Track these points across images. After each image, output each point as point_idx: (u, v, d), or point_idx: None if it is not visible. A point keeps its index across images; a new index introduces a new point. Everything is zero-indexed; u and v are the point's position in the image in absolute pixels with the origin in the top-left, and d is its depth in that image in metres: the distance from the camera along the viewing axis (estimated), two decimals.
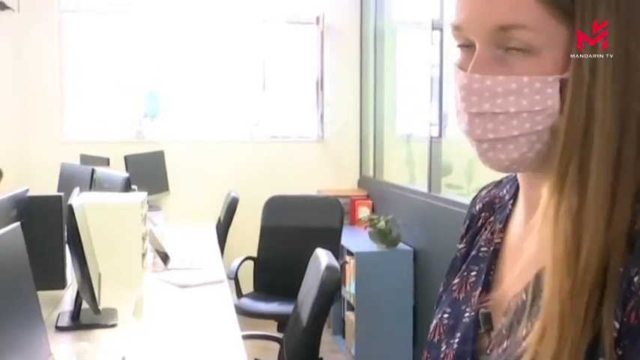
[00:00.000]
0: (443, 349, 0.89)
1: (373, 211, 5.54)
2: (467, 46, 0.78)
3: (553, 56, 0.73)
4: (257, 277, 4.78)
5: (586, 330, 0.68)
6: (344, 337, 5.08)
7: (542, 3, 0.72)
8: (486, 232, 0.93)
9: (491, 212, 0.95)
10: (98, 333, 2.45)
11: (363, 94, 6.07)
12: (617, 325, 0.67)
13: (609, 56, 0.71)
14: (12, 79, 5.50)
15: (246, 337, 3.11)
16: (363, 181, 6.05)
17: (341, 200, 4.92)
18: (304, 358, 2.75)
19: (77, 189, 2.67)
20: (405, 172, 5.55)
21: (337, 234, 4.64)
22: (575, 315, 0.68)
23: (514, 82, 0.74)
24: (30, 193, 2.85)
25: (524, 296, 0.77)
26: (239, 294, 4.56)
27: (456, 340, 0.87)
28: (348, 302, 4.93)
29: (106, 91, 5.88)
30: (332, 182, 5.95)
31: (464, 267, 0.93)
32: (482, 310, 0.83)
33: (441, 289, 0.98)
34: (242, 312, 4.25)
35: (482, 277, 0.87)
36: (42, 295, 2.71)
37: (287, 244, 4.69)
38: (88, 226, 2.67)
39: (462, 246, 0.97)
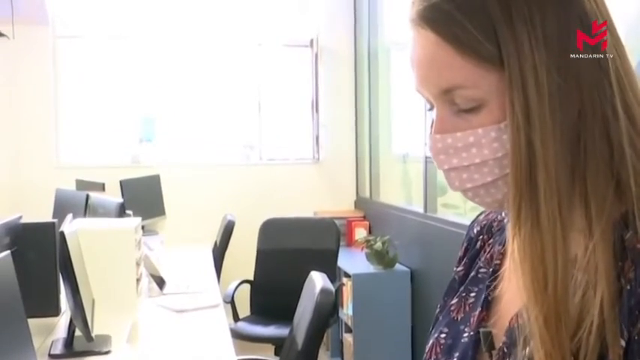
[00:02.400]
0: None
1: (370, 232, 5.53)
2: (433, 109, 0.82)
3: (499, 103, 0.75)
4: (254, 301, 4.76)
5: (588, 351, 0.69)
6: (342, 359, 5.05)
7: (471, 60, 0.74)
8: (485, 254, 0.94)
9: (489, 235, 0.96)
10: None
11: (358, 114, 6.09)
12: (623, 343, 0.68)
13: (541, 96, 0.72)
14: (7, 105, 5.51)
15: None
16: (359, 202, 6.05)
17: (337, 222, 4.91)
18: None
19: (70, 215, 2.66)
20: (401, 192, 5.54)
21: (334, 256, 4.63)
22: (558, 345, 0.70)
23: (471, 135, 0.77)
24: (24, 220, 2.84)
25: (525, 315, 0.77)
26: (236, 318, 4.54)
27: None
28: (346, 324, 4.90)
29: (101, 116, 5.88)
30: (328, 204, 5.95)
31: (462, 288, 0.94)
32: (482, 329, 0.84)
33: (438, 310, 0.98)
34: (239, 336, 4.24)
35: (482, 297, 0.88)
36: (36, 322, 2.72)
37: (284, 267, 4.68)
38: (82, 252, 2.66)
39: (460, 268, 0.98)
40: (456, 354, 0.87)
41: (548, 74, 0.73)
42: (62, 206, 4.05)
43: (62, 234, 2.21)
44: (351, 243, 5.53)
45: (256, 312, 4.71)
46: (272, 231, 4.84)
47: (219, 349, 2.76)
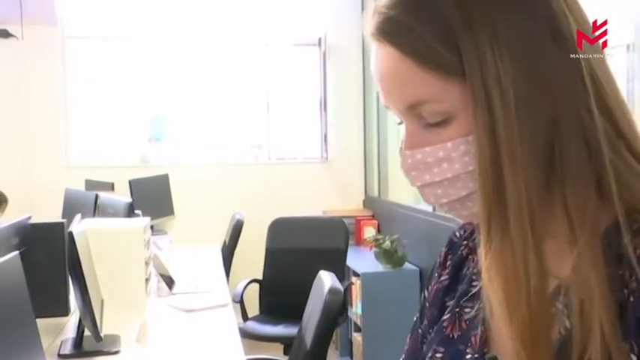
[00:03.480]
0: None
1: (379, 231, 5.52)
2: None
3: (468, 115, 0.72)
4: (263, 300, 4.77)
5: None
6: (351, 358, 5.05)
7: (433, 73, 0.71)
8: (474, 263, 0.88)
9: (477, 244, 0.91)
10: None
11: (367, 113, 6.08)
12: (634, 358, 0.65)
13: (506, 108, 0.69)
14: (16, 105, 5.53)
15: None
16: (368, 201, 6.04)
17: (346, 221, 4.91)
18: None
19: (79, 215, 2.67)
20: (410, 191, 5.53)
21: (342, 255, 4.63)
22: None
23: (440, 150, 0.74)
24: (33, 220, 2.85)
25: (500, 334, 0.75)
26: (245, 317, 4.54)
27: None
28: (355, 323, 4.90)
29: (110, 116, 5.90)
30: (337, 203, 5.95)
31: (454, 302, 0.88)
32: (488, 355, 0.79)
33: (417, 317, 0.94)
34: (248, 335, 4.24)
35: (482, 315, 0.82)
36: (45, 322, 2.73)
37: (292, 266, 4.68)
38: (91, 252, 2.67)
39: (444, 277, 0.92)
40: None
41: (514, 84, 0.69)
42: (71, 206, 4.06)
43: (70, 234, 2.22)
44: (359, 242, 5.52)
45: (265, 311, 4.71)
46: (281, 230, 4.85)
47: (228, 348, 2.76)
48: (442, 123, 0.73)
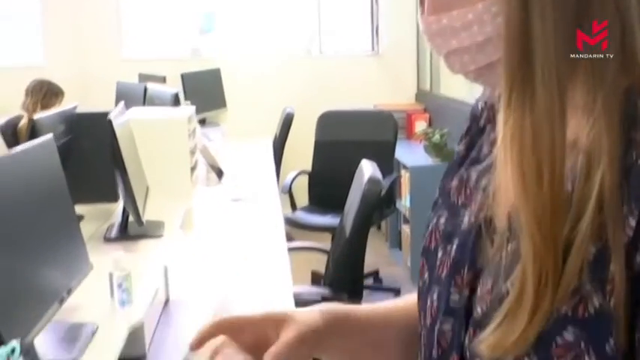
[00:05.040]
0: (440, 255, 0.82)
1: (430, 125, 5.47)
2: None
3: None
4: (311, 191, 4.83)
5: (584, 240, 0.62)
6: (400, 249, 5.12)
7: None
8: (487, 132, 0.85)
9: (495, 111, 0.83)
10: (144, 244, 2.51)
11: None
12: (632, 222, 0.61)
13: None
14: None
15: (293, 249, 3.17)
16: (420, 95, 5.97)
17: (397, 115, 4.88)
18: (348, 268, 2.80)
19: (121, 103, 2.71)
20: (462, 84, 5.42)
21: (391, 148, 4.62)
22: (552, 243, 0.63)
23: (469, 12, 0.68)
24: (79, 110, 2.93)
25: (515, 210, 0.69)
26: (293, 207, 4.63)
27: (454, 247, 0.80)
28: (404, 215, 4.94)
29: (162, 9, 5.90)
30: (388, 97, 5.88)
31: (463, 170, 0.85)
32: (482, 214, 0.76)
33: (437, 193, 0.91)
34: (296, 224, 4.34)
35: (483, 180, 0.79)
36: (95, 207, 2.85)
37: (340, 158, 4.69)
38: (135, 140, 2.73)
39: (461, 147, 0.88)
40: (456, 240, 0.80)
41: None
42: (123, 98, 4.13)
43: (110, 122, 2.26)
44: (410, 136, 5.50)
45: (314, 202, 4.78)
46: (329, 123, 4.85)
47: (271, 236, 2.82)
48: None
